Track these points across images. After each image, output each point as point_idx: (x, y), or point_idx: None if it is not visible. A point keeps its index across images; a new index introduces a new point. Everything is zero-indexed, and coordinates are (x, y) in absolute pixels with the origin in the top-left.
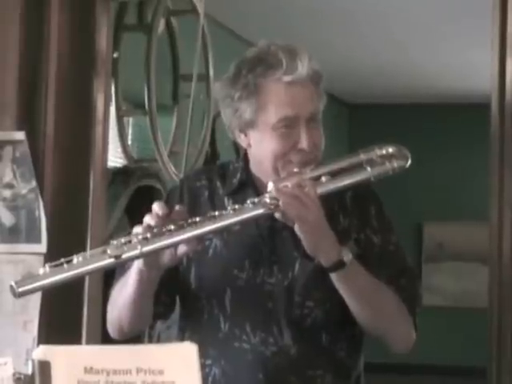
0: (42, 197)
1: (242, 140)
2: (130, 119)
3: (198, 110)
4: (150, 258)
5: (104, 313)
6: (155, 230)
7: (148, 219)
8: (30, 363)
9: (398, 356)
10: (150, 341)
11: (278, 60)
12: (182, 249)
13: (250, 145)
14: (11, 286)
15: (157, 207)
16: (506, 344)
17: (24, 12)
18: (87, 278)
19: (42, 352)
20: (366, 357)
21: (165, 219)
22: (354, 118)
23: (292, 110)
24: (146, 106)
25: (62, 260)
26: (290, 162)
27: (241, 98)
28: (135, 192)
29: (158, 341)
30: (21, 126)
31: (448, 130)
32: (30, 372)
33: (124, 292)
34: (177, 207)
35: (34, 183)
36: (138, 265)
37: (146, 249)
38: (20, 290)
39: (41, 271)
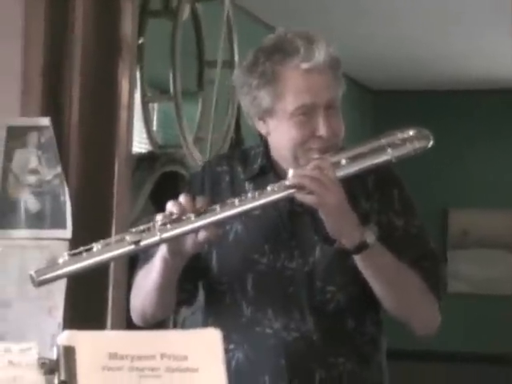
0: (67, 182)
1: (261, 127)
2: (156, 105)
3: (223, 96)
4: (173, 245)
5: (129, 298)
6: (174, 217)
7: (170, 206)
8: (54, 348)
9: (420, 343)
10: (175, 326)
11: (296, 47)
12: (202, 235)
13: (269, 132)
14: (31, 276)
15: (181, 197)
16: None
17: None
18: (112, 264)
19: (67, 337)
20: (388, 343)
21: (187, 208)
22: (378, 104)
23: (310, 97)
24: (171, 92)
25: (82, 248)
26: (310, 149)
27: (258, 86)
28: (160, 178)
29: (183, 326)
30: (46, 112)
31: (474, 116)
32: (54, 357)
33: (148, 279)
34: (199, 199)
35: (58, 169)
36: (161, 253)
37: (166, 235)
38: (39, 279)
39: (60, 260)
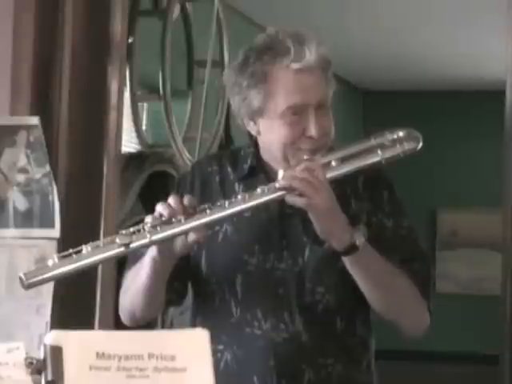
0: (56, 182)
1: (251, 127)
2: (145, 104)
3: (212, 95)
4: (163, 246)
5: (117, 298)
6: (164, 219)
7: (160, 208)
8: (41, 348)
9: (410, 343)
10: (163, 326)
11: (286, 47)
12: (192, 236)
13: (259, 132)
14: (20, 278)
15: (170, 199)
16: None
17: None
18: (100, 265)
19: (54, 337)
20: (378, 344)
21: (177, 210)
22: (368, 104)
23: (300, 97)
24: (161, 92)
25: (71, 250)
26: (300, 149)
27: (249, 86)
28: (149, 177)
29: (171, 326)
30: (35, 111)
31: (462, 117)
32: (41, 357)
33: (137, 280)
34: (185, 199)
35: (47, 168)
36: (151, 253)
37: (156, 237)
38: (29, 281)
39: (49, 262)
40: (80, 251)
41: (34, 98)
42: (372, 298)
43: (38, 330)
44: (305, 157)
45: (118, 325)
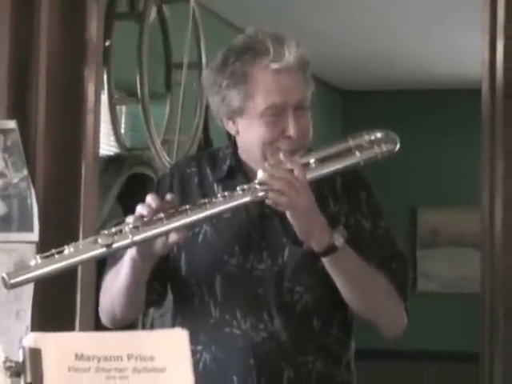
0: (34, 185)
1: (230, 127)
2: (123, 107)
3: (191, 97)
4: (143, 246)
5: (97, 301)
6: (146, 219)
7: (140, 209)
8: (20, 351)
9: (391, 342)
10: (144, 328)
11: (266, 47)
12: (173, 237)
13: (238, 132)
14: (3, 278)
15: (150, 198)
16: (498, 329)
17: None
18: (80, 267)
19: (33, 339)
20: (358, 343)
21: (157, 210)
22: (346, 105)
23: (279, 97)
24: (139, 94)
25: (54, 251)
26: (279, 149)
27: (228, 86)
28: (128, 180)
29: (152, 328)
30: (12, 115)
31: (441, 116)
32: (20, 359)
33: (117, 281)
34: (167, 196)
35: (25, 172)
36: (130, 254)
37: (137, 238)
38: (12, 281)
39: (32, 262)
40: (62, 251)
41: (11, 102)
42: (350, 298)
43: (19, 334)
44: (283, 157)
45: (99, 327)
